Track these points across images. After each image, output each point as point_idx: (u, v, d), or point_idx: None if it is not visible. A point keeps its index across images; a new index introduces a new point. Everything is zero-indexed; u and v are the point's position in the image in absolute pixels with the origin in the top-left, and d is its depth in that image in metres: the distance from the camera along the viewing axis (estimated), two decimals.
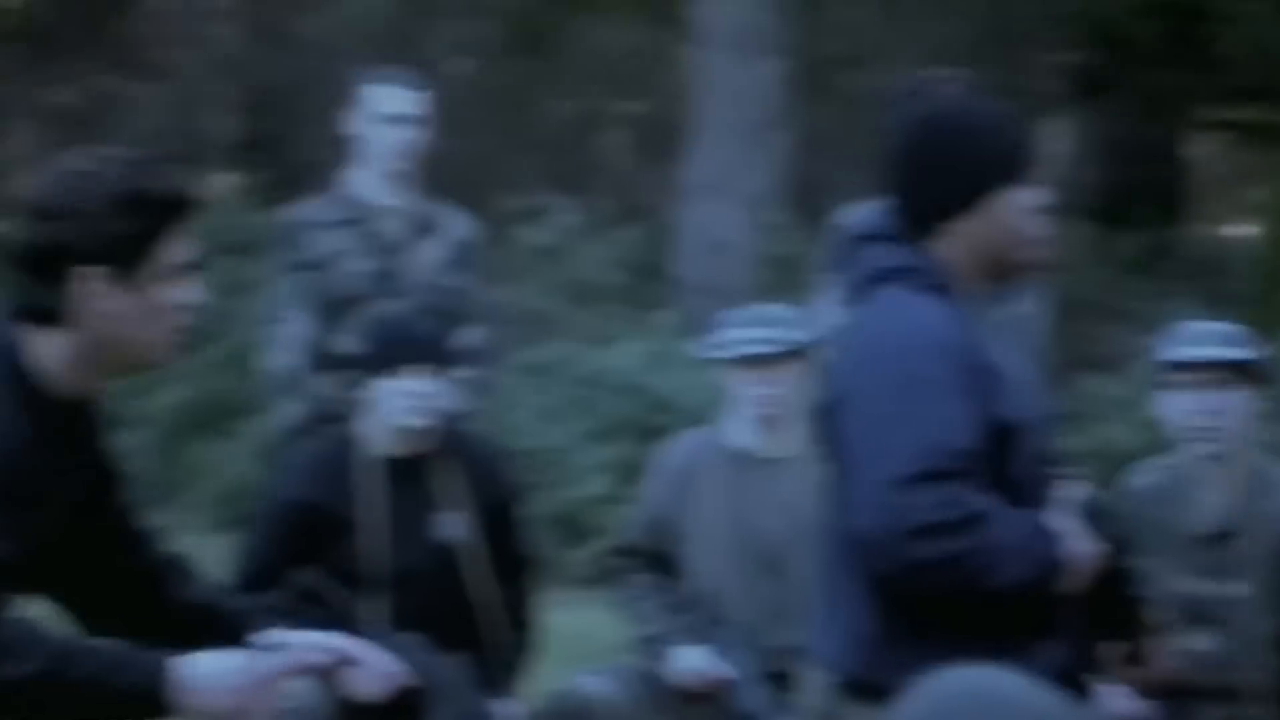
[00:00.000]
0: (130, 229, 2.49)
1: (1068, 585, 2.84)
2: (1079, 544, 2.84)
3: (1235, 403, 4.02)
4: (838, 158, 11.07)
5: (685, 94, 10.91)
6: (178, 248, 2.53)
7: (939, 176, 2.89)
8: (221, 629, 2.67)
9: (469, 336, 5.10)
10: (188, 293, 2.55)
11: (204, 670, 2.47)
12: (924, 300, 2.89)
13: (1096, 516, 2.86)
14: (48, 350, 2.51)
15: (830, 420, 2.92)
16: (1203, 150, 14.87)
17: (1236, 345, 4.00)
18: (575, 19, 12.37)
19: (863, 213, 4.77)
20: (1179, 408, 4.05)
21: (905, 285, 2.91)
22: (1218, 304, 9.97)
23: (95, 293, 2.49)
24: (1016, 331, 4.65)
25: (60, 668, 2.41)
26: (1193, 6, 12.21)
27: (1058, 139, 13.79)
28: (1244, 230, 14.42)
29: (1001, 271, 2.99)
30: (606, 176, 12.58)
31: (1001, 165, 2.90)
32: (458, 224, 5.16)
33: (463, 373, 4.99)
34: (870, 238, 2.98)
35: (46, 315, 2.50)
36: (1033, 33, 12.17)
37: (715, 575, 4.32)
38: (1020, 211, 2.92)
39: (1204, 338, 4.03)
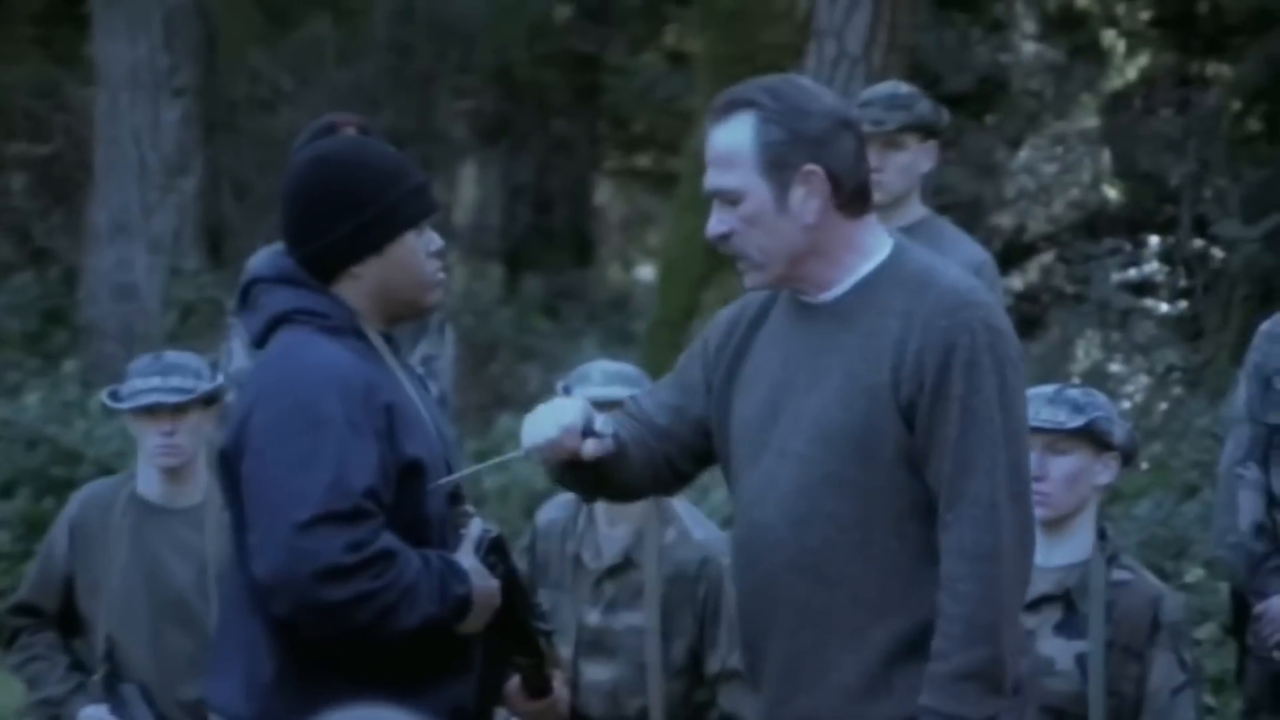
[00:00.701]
0: None
1: (472, 623, 2.88)
2: (482, 581, 2.88)
3: None
4: (248, 201, 10.94)
5: (88, 135, 10.58)
6: None
7: (346, 220, 2.89)
8: None
9: None
10: None
11: None
12: (324, 341, 2.88)
13: (496, 552, 2.91)
14: None
15: (233, 465, 2.87)
16: (607, 195, 15.45)
17: (633, 384, 4.15)
18: None
19: (265, 255, 4.73)
20: None
21: (306, 327, 2.89)
22: (619, 343, 10.36)
23: None
24: (426, 372, 4.70)
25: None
26: (589, 57, 12.69)
27: (465, 184, 14.05)
28: (647, 271, 15.07)
29: (402, 313, 3.01)
30: (6, 219, 12.03)
31: (407, 210, 2.93)
32: None
33: None
34: (271, 280, 2.95)
35: None
36: (439, 79, 12.37)
37: (120, 628, 4.18)
38: (421, 255, 2.95)
39: (603, 377, 4.16)
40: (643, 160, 14.60)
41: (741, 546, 2.84)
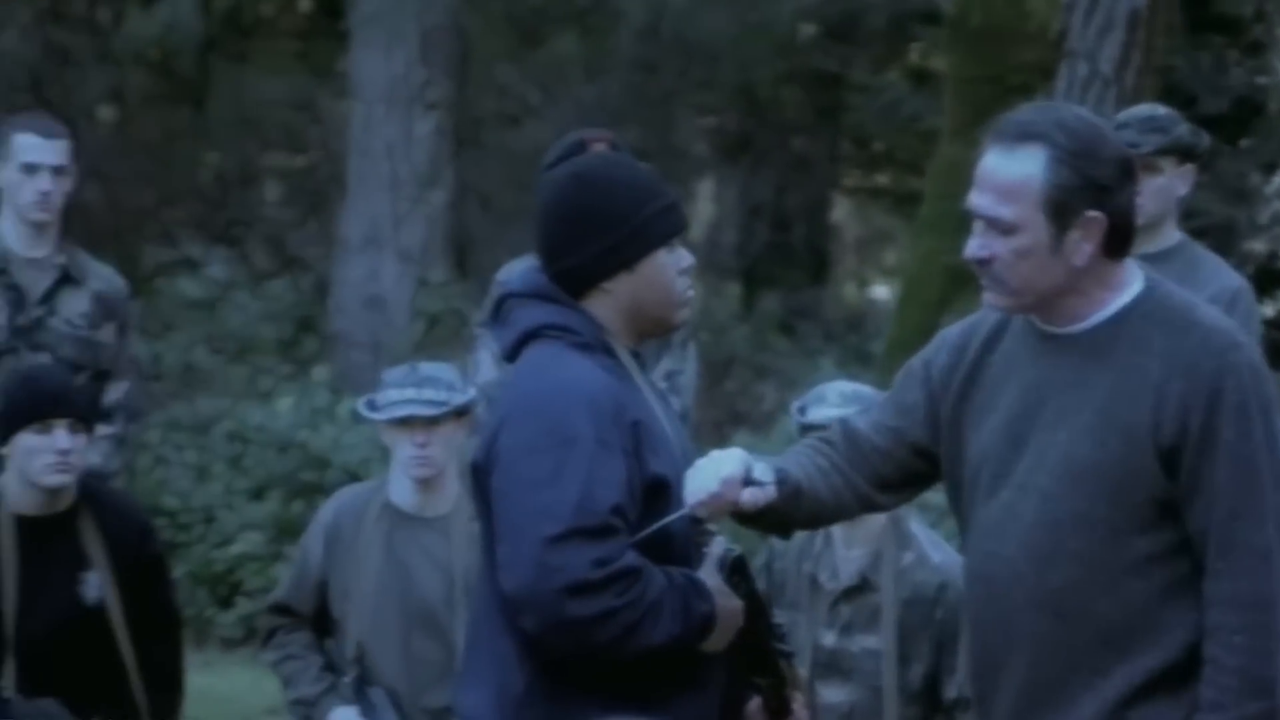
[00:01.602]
0: None
1: (715, 642, 2.87)
2: (725, 600, 2.87)
3: None
4: (493, 214, 11.11)
5: (341, 148, 10.83)
6: None
7: (599, 237, 2.91)
8: None
9: (113, 391, 4.94)
10: None
11: None
12: (575, 357, 2.90)
13: (739, 572, 2.91)
14: None
15: (484, 479, 2.90)
16: (844, 213, 15.38)
17: (867, 406, 4.11)
18: (227, 69, 12.17)
19: (518, 270, 4.79)
20: None
21: (557, 343, 2.92)
22: (856, 363, 10.29)
23: None
24: (669, 388, 4.72)
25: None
26: (832, 76, 12.64)
27: (702, 201, 14.10)
28: (883, 291, 14.96)
29: (651, 330, 3.02)
30: (261, 229, 12.37)
31: (658, 227, 2.94)
32: (103, 276, 5.01)
33: (106, 429, 4.83)
34: (524, 295, 2.98)
35: None
36: (681, 96, 12.44)
37: (370, 634, 4.26)
38: (671, 272, 2.96)
39: (840, 399, 4.13)
40: (881, 179, 14.50)
41: (977, 578, 2.80)
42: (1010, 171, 2.69)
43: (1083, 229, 2.69)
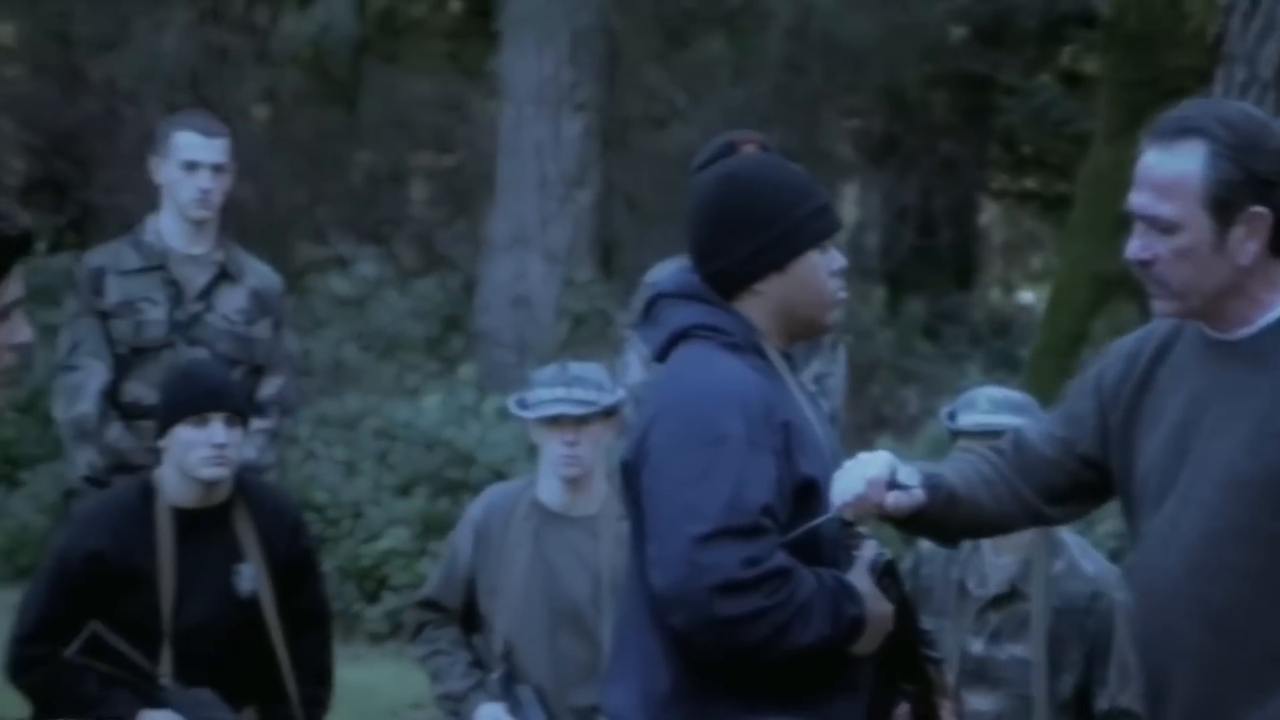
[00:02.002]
0: None
1: (864, 646, 2.85)
2: (876, 604, 2.86)
3: None
4: (639, 215, 11.14)
5: (489, 147, 10.91)
6: (8, 288, 2.48)
7: (751, 238, 2.90)
8: None
9: (268, 386, 5.01)
10: (15, 332, 2.50)
11: None
12: (725, 358, 2.89)
13: (889, 576, 2.89)
14: None
15: (633, 478, 2.90)
16: (991, 217, 15.23)
17: (1021, 412, 4.06)
18: (379, 70, 12.31)
19: (669, 270, 4.79)
20: None
21: (708, 343, 2.92)
22: (1003, 368, 10.19)
23: None
24: (818, 390, 4.70)
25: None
26: (981, 78, 12.53)
27: (848, 204, 14.02)
28: (1029, 296, 14.79)
29: (801, 331, 3.01)
30: (410, 228, 12.50)
31: (811, 229, 2.92)
32: (259, 272, 5.08)
33: (261, 423, 4.90)
34: (675, 295, 2.98)
35: None
36: (828, 98, 12.38)
37: (517, 632, 4.28)
38: (823, 273, 2.94)
39: (990, 404, 4.08)
40: (1030, 183, 14.34)
41: (1141, 592, 2.75)
42: (1169, 168, 2.63)
43: (1247, 226, 2.62)
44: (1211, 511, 2.63)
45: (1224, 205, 2.63)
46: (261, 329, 5.01)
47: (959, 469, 2.89)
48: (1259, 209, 2.61)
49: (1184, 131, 2.64)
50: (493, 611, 4.32)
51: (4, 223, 2.45)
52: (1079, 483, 2.86)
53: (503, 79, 10.50)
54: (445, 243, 12.04)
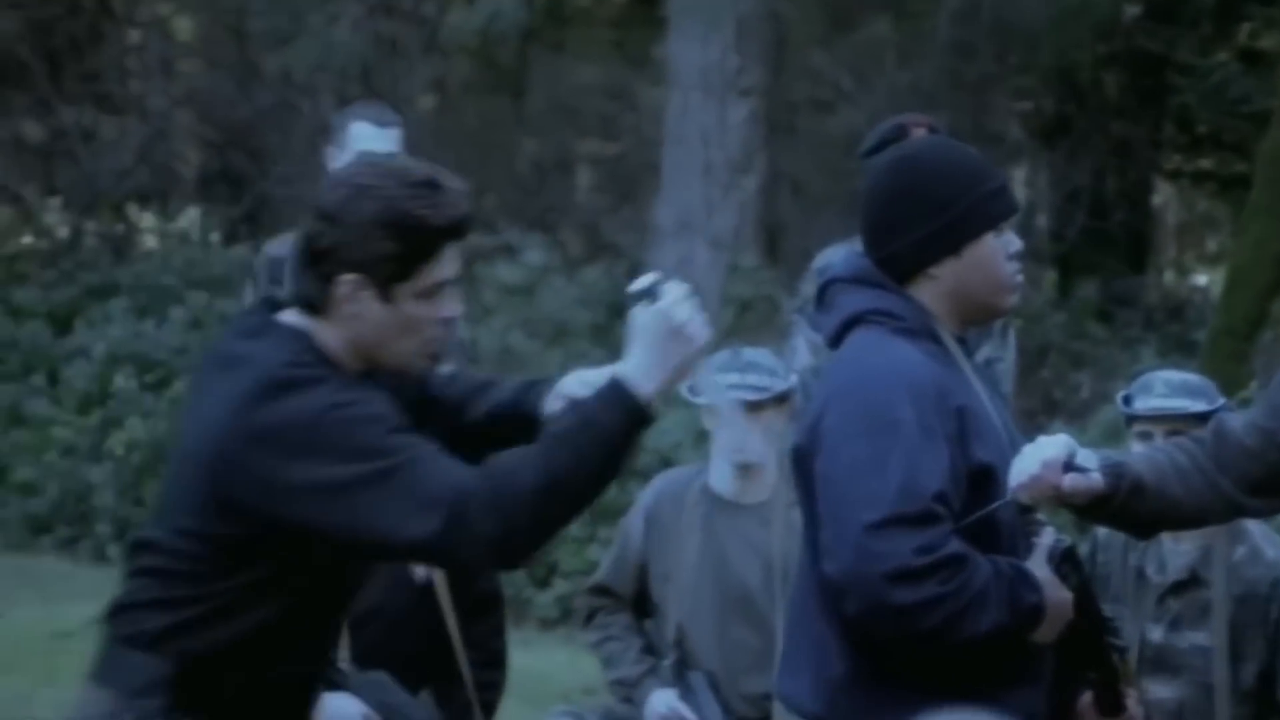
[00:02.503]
0: (392, 250, 2.62)
1: (1044, 634, 2.82)
2: (1055, 591, 2.82)
3: None
4: (805, 200, 11.09)
5: (655, 134, 10.93)
6: (440, 268, 2.65)
7: (926, 221, 2.87)
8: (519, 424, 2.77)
9: (440, 373, 5.06)
10: (444, 308, 2.67)
11: None
12: (899, 343, 2.86)
13: (1069, 563, 2.84)
14: (323, 337, 2.65)
15: (805, 464, 2.89)
16: (1165, 198, 14.95)
17: (1199, 396, 3.98)
18: (545, 58, 12.39)
19: (840, 254, 4.76)
20: None
21: (881, 328, 2.89)
22: (1178, 352, 10.00)
23: (352, 298, 2.61)
24: (988, 376, 4.64)
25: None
26: (1155, 57, 12.28)
27: (1020, 185, 13.84)
28: (1206, 278, 14.50)
29: (977, 316, 2.97)
30: (576, 215, 12.57)
31: (986, 211, 2.89)
32: None
33: None
34: (848, 280, 2.96)
35: (312, 307, 2.65)
36: (999, 80, 12.22)
37: (690, 618, 4.29)
38: (999, 257, 2.90)
39: (1167, 388, 4.01)
40: (1205, 163, 14.05)
41: None
42: None
43: None
44: None
45: None
46: None
47: (1151, 457, 2.84)
48: None
49: None
50: (664, 598, 4.32)
51: (431, 210, 2.61)
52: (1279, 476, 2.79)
53: (669, 65, 10.50)
54: (611, 230, 12.08)
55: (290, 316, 2.67)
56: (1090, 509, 2.80)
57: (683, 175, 10.32)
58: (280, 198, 11.68)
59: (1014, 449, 2.87)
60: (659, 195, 10.58)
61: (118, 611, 2.65)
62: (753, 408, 4.22)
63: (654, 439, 8.45)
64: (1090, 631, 2.86)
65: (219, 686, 2.61)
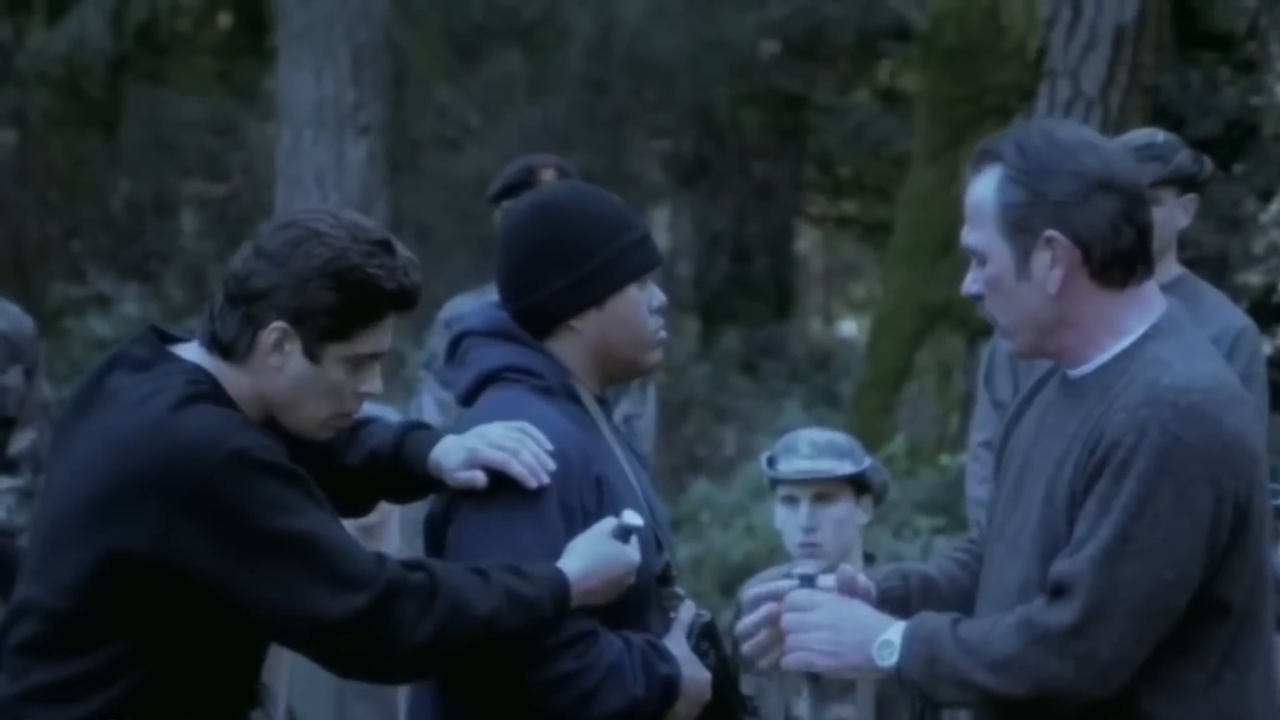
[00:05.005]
0: (334, 304, 2.60)
1: (680, 713, 2.84)
2: (692, 669, 2.85)
3: (840, 515, 4.11)
4: (431, 245, 11.08)
5: (267, 174, 10.80)
6: (377, 337, 2.65)
7: (567, 271, 2.88)
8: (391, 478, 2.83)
9: (20, 440, 4.88)
10: (366, 382, 2.68)
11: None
12: (537, 403, 2.86)
13: (708, 639, 2.87)
14: (229, 381, 2.63)
15: (438, 533, 2.87)
16: (810, 243, 15.41)
17: (844, 456, 4.08)
18: (141, 90, 12.12)
19: (470, 304, 4.74)
20: (787, 520, 4.13)
21: (519, 386, 2.88)
22: (824, 404, 10.29)
23: (277, 348, 2.61)
24: (627, 433, 4.69)
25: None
26: (794, 96, 12.68)
27: (657, 231, 14.12)
28: (854, 325, 14.98)
29: (619, 373, 2.99)
30: (179, 262, 12.31)
31: (629, 262, 2.91)
32: (7, 314, 4.94)
33: (10, 481, 4.77)
34: (483, 333, 2.95)
35: (225, 348, 2.63)
36: (634, 118, 12.45)
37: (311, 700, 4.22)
38: (642, 310, 2.93)
39: (812, 449, 4.10)
40: (848, 206, 14.54)
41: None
42: (974, 195, 2.70)
43: (1047, 251, 2.66)
44: (1024, 560, 2.66)
45: (1017, 230, 2.67)
46: (12, 377, 4.88)
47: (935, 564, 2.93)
48: (1052, 233, 2.65)
49: (984, 157, 2.71)
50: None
51: (383, 272, 2.61)
52: None
53: (279, 100, 10.40)
54: (218, 278, 11.87)
55: (190, 351, 2.64)
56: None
57: None
58: None
59: (653, 514, 2.90)
60: None
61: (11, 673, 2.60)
62: None
63: None
64: (727, 711, 2.89)
65: None
